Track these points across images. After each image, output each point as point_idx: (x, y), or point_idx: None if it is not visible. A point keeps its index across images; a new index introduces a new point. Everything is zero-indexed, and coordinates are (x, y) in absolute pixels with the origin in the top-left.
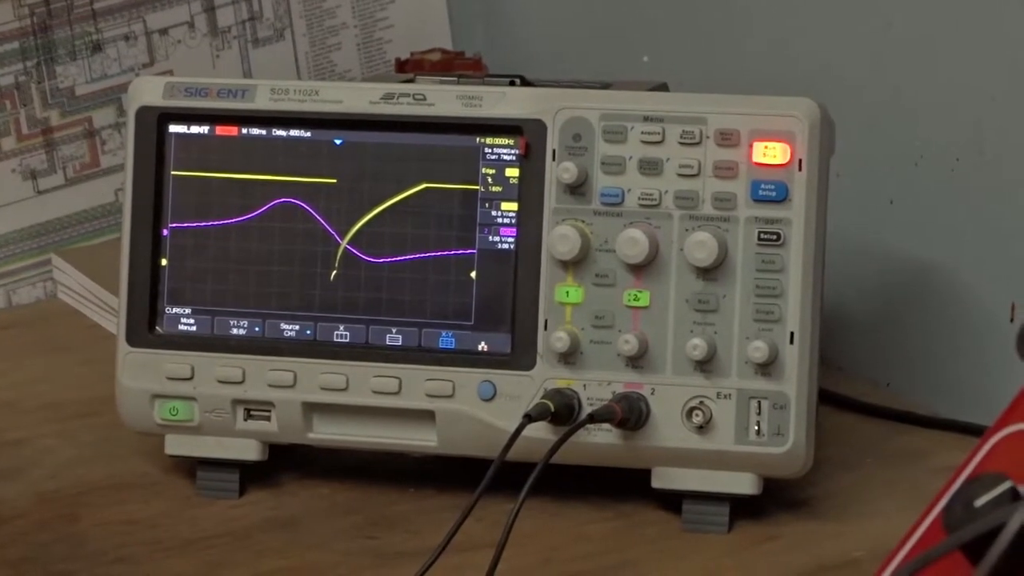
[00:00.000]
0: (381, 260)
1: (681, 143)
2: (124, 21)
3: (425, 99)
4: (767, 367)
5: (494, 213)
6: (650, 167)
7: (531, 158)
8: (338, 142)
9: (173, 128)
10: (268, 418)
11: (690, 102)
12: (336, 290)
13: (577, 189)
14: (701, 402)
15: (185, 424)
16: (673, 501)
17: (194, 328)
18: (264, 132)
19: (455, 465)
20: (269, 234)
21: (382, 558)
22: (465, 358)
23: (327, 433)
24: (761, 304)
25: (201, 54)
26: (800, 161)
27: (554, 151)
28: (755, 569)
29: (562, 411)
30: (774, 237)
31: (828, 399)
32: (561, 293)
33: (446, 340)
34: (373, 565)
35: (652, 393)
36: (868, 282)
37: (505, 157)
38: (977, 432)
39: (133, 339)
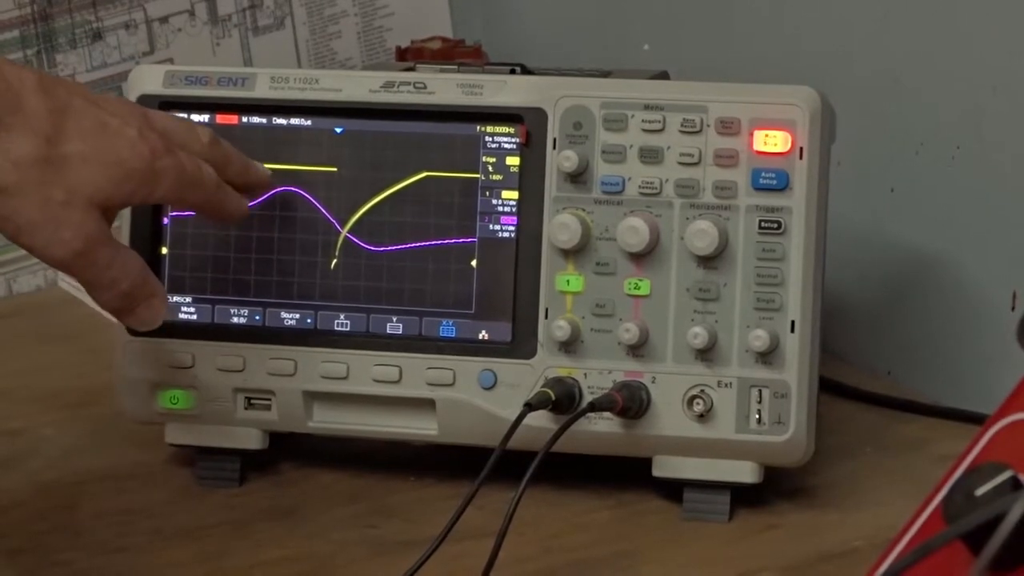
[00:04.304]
0: (381, 249)
1: (682, 131)
2: (124, 9)
3: (425, 87)
4: (768, 356)
5: (494, 201)
6: (651, 155)
7: (531, 146)
8: (338, 130)
9: None
10: (268, 407)
11: (691, 90)
12: (336, 279)
13: (578, 177)
14: (702, 391)
15: (185, 413)
16: (674, 489)
17: (194, 317)
18: (264, 120)
19: (456, 454)
20: (269, 223)
21: (382, 547)
22: (466, 347)
23: (327, 422)
24: (762, 293)
25: (201, 42)
26: (801, 149)
27: (554, 139)
28: (756, 558)
29: (563, 400)
30: (775, 225)
31: (829, 388)
32: (562, 282)
33: (447, 329)
34: (373, 554)
35: (653, 382)
36: (869, 270)
37: (505, 145)
38: (978, 420)
39: (133, 328)
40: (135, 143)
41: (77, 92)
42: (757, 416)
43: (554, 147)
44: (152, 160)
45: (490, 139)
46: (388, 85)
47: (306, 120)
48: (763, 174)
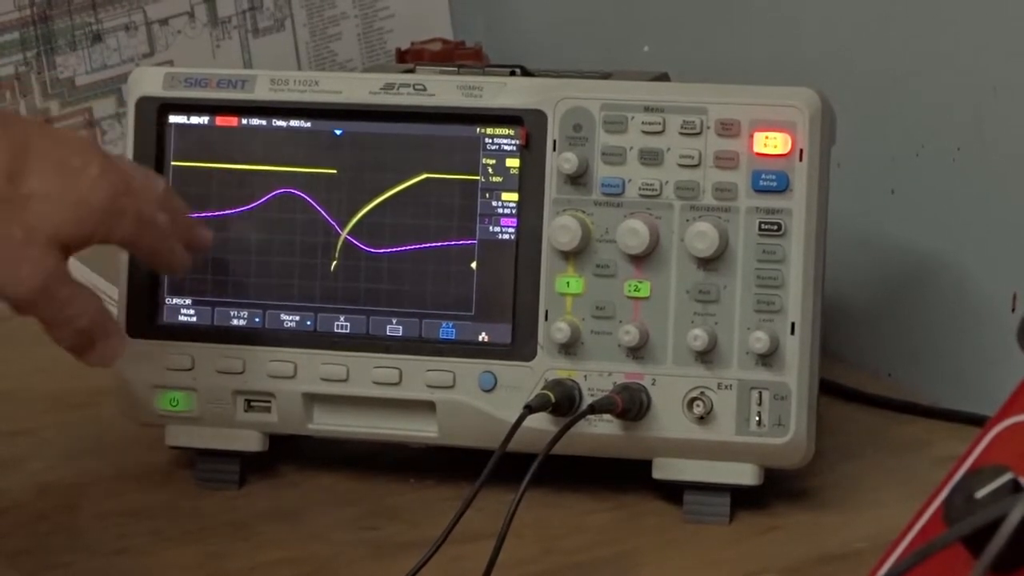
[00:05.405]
0: (381, 251)
1: (682, 133)
2: (124, 11)
3: (425, 89)
4: (768, 358)
5: (495, 203)
6: (651, 157)
7: (531, 148)
8: (338, 132)
9: (173, 118)
10: (268, 409)
11: (691, 92)
12: (336, 281)
13: (578, 179)
14: (702, 393)
15: (185, 415)
16: (674, 492)
17: (194, 319)
18: (264, 122)
19: (456, 456)
20: (269, 225)
21: (382, 549)
22: (466, 349)
23: (327, 424)
24: (762, 294)
25: (201, 44)
26: (801, 151)
27: (555, 141)
28: (756, 560)
29: (563, 402)
30: (775, 227)
31: (829, 389)
32: (562, 284)
33: (447, 331)
34: (373, 556)
35: (653, 384)
36: (869, 272)
37: (505, 147)
38: (978, 422)
39: (133, 330)
40: (96, 182)
41: (38, 131)
42: (757, 418)
43: (554, 149)
44: (114, 199)
45: (490, 141)
46: (388, 87)
47: (306, 122)
48: (763, 176)
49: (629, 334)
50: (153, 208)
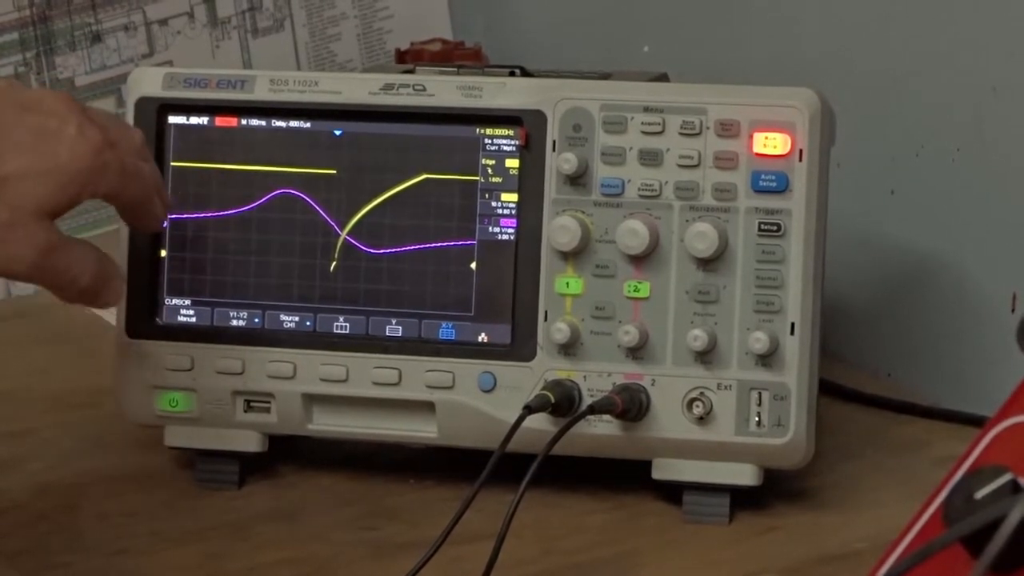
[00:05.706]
0: (381, 251)
1: (681, 134)
2: (124, 11)
3: (425, 90)
4: (767, 358)
5: (494, 204)
6: (650, 158)
7: (531, 149)
8: (338, 133)
9: (172, 119)
10: (268, 409)
11: (690, 92)
12: (336, 281)
13: (577, 180)
14: (701, 393)
15: (185, 415)
16: (673, 492)
17: (194, 319)
18: (264, 123)
19: (455, 456)
20: (269, 225)
21: (382, 549)
22: (465, 349)
23: (327, 424)
24: (762, 295)
25: (201, 44)
26: (801, 151)
27: (554, 142)
28: (756, 560)
29: (562, 402)
30: (774, 228)
31: (829, 390)
32: (561, 284)
33: (446, 331)
34: (373, 556)
35: (652, 384)
36: (869, 272)
37: (505, 148)
38: (978, 423)
39: (132, 330)
40: (75, 142)
41: (8, 101)
42: (757, 418)
43: (554, 149)
44: (95, 155)
45: (489, 141)
46: (388, 87)
47: (305, 122)
48: (763, 176)
49: (629, 334)
50: (135, 158)
